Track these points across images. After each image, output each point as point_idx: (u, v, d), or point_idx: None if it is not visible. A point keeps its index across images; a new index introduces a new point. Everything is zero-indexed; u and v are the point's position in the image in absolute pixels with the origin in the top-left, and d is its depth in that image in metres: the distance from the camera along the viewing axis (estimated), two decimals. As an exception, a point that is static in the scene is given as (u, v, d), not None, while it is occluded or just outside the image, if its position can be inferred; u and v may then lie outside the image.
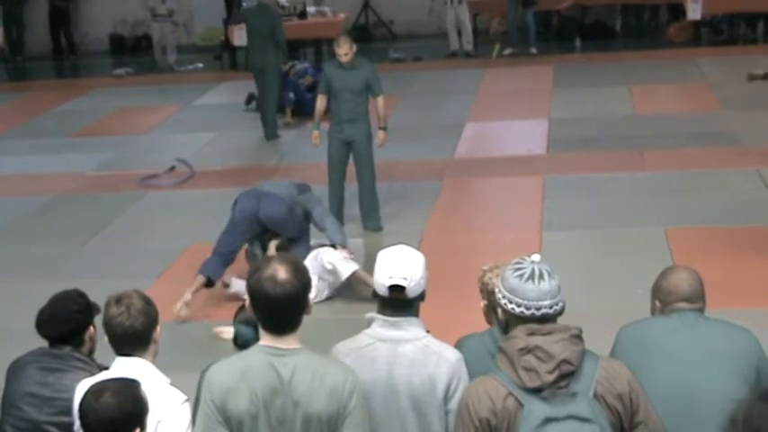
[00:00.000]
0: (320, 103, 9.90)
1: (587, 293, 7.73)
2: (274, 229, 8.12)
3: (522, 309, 3.63)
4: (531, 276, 3.65)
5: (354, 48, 9.55)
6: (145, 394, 3.70)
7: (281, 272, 3.61)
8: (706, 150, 11.65)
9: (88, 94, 17.42)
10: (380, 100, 9.71)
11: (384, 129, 9.89)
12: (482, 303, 4.48)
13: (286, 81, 14.07)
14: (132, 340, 4.17)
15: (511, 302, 3.66)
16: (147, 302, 4.25)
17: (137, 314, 4.17)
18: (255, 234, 8.18)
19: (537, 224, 9.63)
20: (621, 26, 20.33)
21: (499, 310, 3.75)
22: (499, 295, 3.72)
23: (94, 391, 3.62)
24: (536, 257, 3.74)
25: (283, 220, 8.15)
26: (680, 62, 16.75)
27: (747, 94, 14.27)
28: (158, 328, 4.28)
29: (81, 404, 3.65)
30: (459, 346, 4.15)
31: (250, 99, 15.03)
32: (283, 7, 17.18)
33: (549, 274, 3.67)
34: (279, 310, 3.64)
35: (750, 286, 7.92)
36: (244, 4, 18.77)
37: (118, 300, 4.21)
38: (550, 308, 3.64)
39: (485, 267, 4.53)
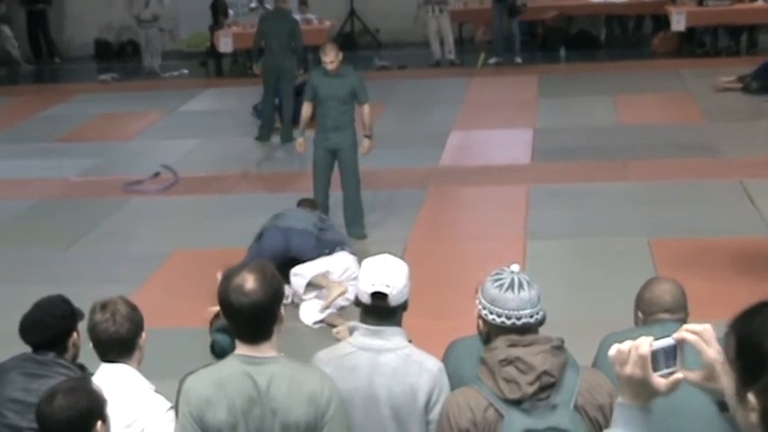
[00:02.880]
0: (306, 110, 9.90)
1: (570, 303, 7.76)
2: (299, 258, 8.27)
3: (503, 319, 3.64)
4: (511, 286, 3.66)
5: (340, 55, 9.57)
6: (98, 387, 3.68)
7: (249, 282, 3.56)
8: (689, 161, 11.71)
9: (73, 99, 17.37)
10: (366, 108, 9.72)
11: (369, 137, 9.90)
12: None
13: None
14: (117, 346, 4.18)
15: (491, 313, 3.66)
16: (133, 309, 4.26)
17: (122, 320, 4.18)
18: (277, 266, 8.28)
19: (521, 233, 9.65)
20: (606, 36, 20.42)
21: (480, 322, 3.75)
22: (479, 306, 3.72)
23: (46, 398, 3.59)
24: (515, 267, 3.76)
25: (314, 253, 8.29)
26: (664, 73, 16.83)
27: (730, 106, 14.35)
28: (143, 335, 4.28)
29: (37, 414, 3.61)
30: (450, 348, 4.14)
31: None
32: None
33: (529, 284, 3.69)
34: (247, 321, 3.61)
35: (732, 297, 7.91)
36: (230, 11, 18.82)
37: (103, 306, 4.22)
38: (531, 317, 3.65)
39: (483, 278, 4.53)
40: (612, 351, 2.43)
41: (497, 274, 3.73)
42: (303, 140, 10.02)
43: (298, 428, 3.61)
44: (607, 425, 3.57)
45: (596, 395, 3.58)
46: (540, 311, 3.68)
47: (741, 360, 2.20)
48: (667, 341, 2.39)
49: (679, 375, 2.40)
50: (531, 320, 3.65)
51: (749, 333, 2.21)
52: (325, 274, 8.08)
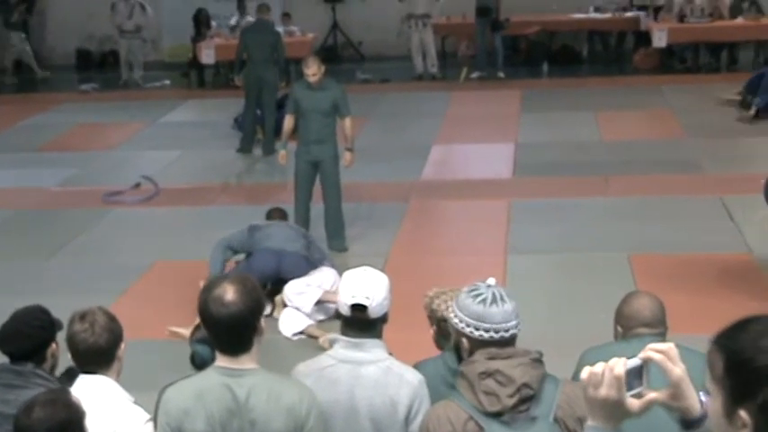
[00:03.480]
0: (288, 122, 9.91)
1: (551, 318, 7.77)
2: (287, 279, 8.30)
3: (492, 333, 3.62)
4: (494, 300, 3.66)
5: (323, 68, 9.58)
6: (77, 399, 3.67)
7: (230, 293, 3.56)
8: (670, 177, 11.75)
9: (54, 108, 17.30)
10: (348, 121, 9.73)
11: (351, 150, 9.90)
12: (431, 330, 4.50)
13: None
14: (96, 357, 4.16)
15: (478, 329, 3.63)
16: (112, 319, 4.24)
17: (101, 331, 4.16)
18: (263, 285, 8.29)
19: (502, 248, 9.66)
20: (588, 52, 20.52)
21: (463, 340, 3.69)
22: (461, 324, 3.68)
23: (24, 410, 3.58)
24: (491, 281, 3.75)
25: (304, 273, 8.31)
26: (645, 89, 16.90)
27: (710, 122, 14.42)
28: (122, 346, 4.27)
29: (15, 426, 3.59)
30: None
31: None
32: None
33: (508, 296, 3.69)
34: (226, 332, 3.61)
35: (712, 312, 7.97)
36: (213, 23, 18.80)
37: (82, 316, 4.20)
38: (516, 328, 3.66)
39: (430, 293, 4.56)
40: (585, 374, 2.40)
41: (474, 289, 3.71)
42: (285, 153, 10.01)
43: (277, 440, 3.59)
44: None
45: (575, 407, 3.57)
46: (520, 322, 3.69)
47: (731, 377, 2.17)
48: (634, 361, 2.38)
49: (652, 395, 2.38)
50: (516, 331, 3.66)
51: (738, 350, 2.17)
52: (335, 291, 8.08)
